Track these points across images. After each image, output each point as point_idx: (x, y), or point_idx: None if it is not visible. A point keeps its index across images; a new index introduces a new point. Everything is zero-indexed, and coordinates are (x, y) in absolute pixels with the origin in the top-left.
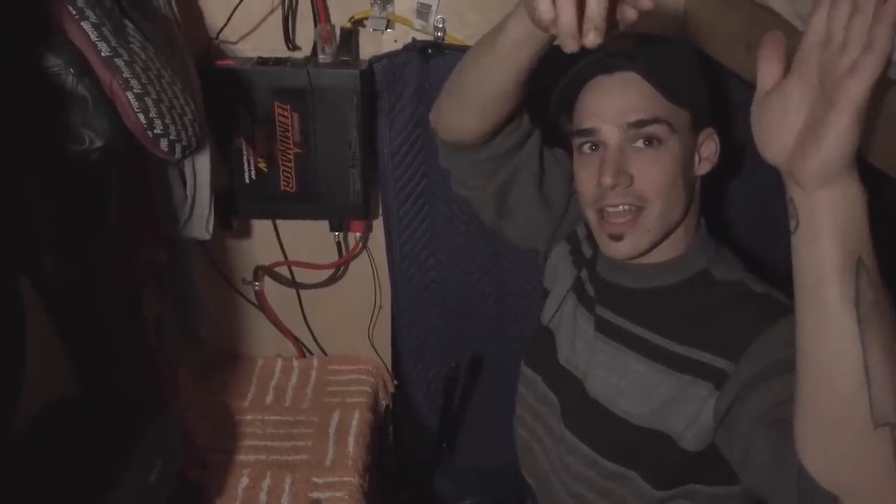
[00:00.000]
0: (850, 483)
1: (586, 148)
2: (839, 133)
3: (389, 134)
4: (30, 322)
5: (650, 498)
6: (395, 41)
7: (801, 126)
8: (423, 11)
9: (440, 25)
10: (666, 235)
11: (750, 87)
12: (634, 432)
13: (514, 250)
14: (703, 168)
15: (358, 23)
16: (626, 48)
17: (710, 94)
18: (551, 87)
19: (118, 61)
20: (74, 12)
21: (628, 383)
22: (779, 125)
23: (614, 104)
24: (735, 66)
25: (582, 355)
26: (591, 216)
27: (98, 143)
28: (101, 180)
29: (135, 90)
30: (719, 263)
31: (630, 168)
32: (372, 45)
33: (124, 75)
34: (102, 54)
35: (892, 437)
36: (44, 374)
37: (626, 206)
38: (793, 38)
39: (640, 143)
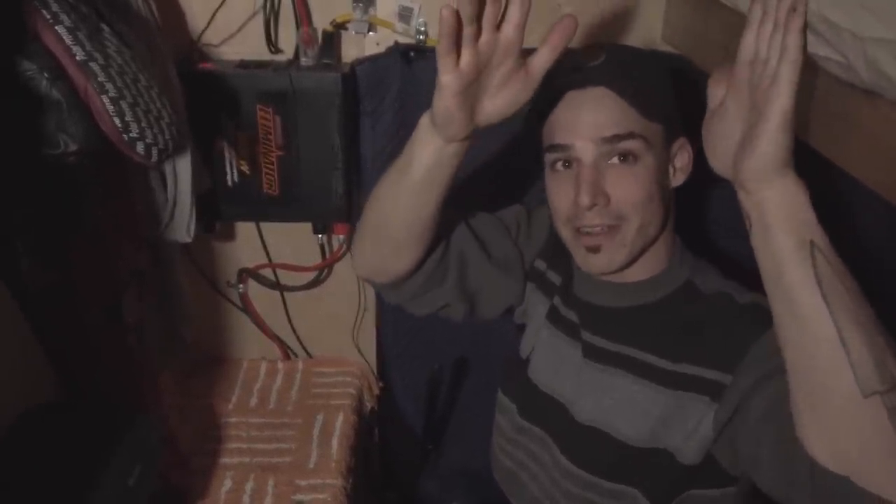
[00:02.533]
0: (855, 459)
1: (559, 165)
2: (769, 139)
3: (372, 137)
4: (8, 327)
5: None
6: (378, 44)
7: (738, 138)
8: (404, 15)
9: (422, 29)
10: (643, 250)
11: None
12: (634, 452)
13: None
14: (677, 179)
15: (340, 26)
16: (595, 59)
17: (681, 103)
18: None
19: (93, 65)
20: (49, 17)
21: (623, 405)
22: (721, 139)
23: (588, 119)
24: (712, 70)
25: (567, 382)
26: (567, 233)
27: (73, 147)
28: (77, 184)
29: (110, 94)
30: (701, 274)
31: (606, 186)
32: (354, 48)
33: (99, 79)
34: (77, 58)
35: (885, 404)
36: (24, 379)
37: (602, 227)
38: None
39: (615, 160)
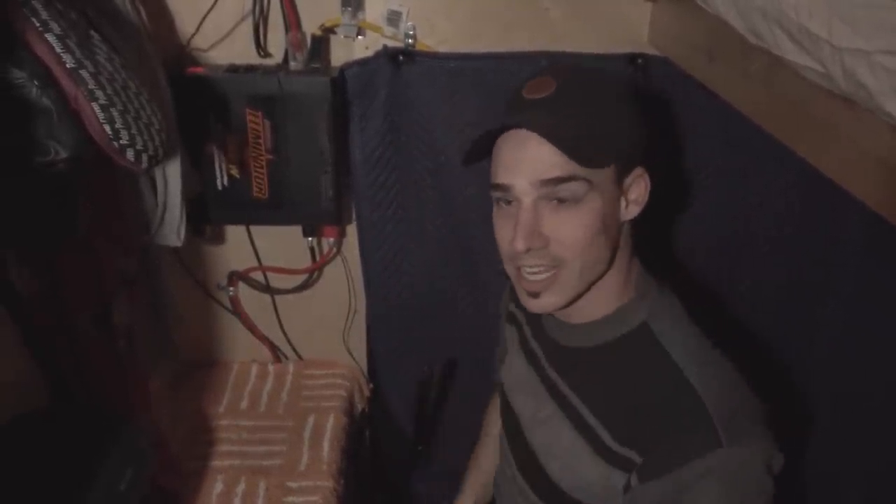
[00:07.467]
0: None
1: (502, 203)
2: None
3: (361, 141)
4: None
5: None
6: (367, 48)
7: None
8: (393, 19)
9: (411, 32)
10: (589, 287)
11: (716, 103)
12: (564, 497)
13: (488, 255)
14: (630, 212)
15: (329, 30)
16: (544, 91)
17: (645, 130)
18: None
19: (83, 73)
20: (38, 25)
21: (559, 449)
22: None
23: (528, 161)
24: (697, 74)
25: (527, 405)
26: (510, 270)
27: (63, 155)
28: (67, 191)
29: (100, 101)
30: (661, 316)
31: (545, 228)
32: (343, 52)
33: (89, 87)
34: (67, 66)
35: None
36: (14, 384)
37: (542, 267)
38: (747, 53)
39: (555, 202)
